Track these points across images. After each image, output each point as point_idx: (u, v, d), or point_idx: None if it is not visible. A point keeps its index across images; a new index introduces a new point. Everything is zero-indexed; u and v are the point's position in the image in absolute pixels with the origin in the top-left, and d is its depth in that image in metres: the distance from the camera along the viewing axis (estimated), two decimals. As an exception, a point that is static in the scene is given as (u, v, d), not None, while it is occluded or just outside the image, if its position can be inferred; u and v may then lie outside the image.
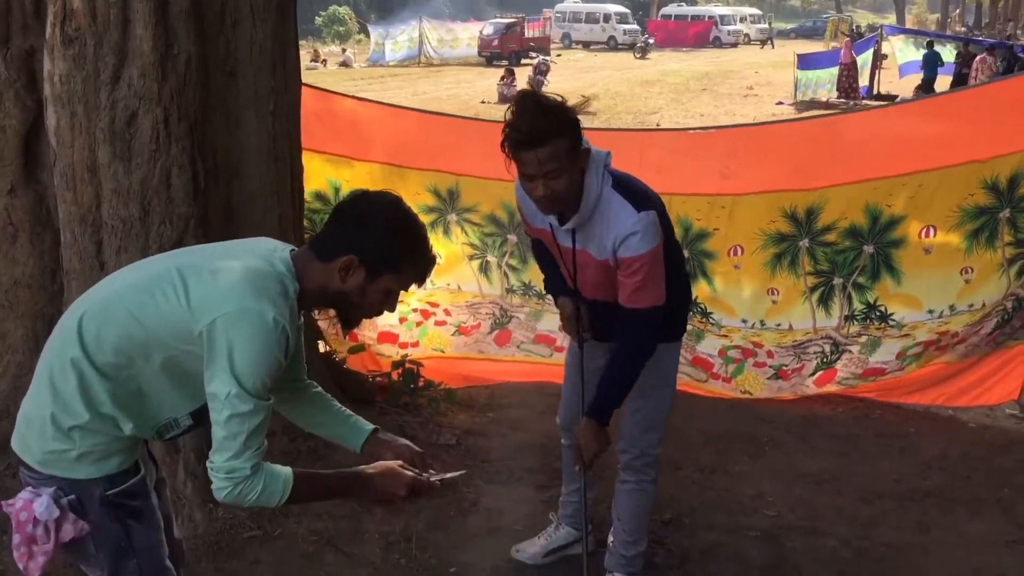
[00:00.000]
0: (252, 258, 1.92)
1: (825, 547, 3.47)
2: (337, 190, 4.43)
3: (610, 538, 3.20)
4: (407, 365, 4.46)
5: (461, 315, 4.80)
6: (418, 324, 4.80)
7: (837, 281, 4.39)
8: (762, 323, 4.52)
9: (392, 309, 2.03)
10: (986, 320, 4.34)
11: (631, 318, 2.68)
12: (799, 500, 3.86)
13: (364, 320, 2.11)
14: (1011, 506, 3.78)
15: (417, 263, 1.98)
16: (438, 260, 4.57)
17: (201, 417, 1.96)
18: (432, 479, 2.13)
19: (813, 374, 4.66)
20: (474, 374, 4.86)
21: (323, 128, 4.23)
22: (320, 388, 2.26)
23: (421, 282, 2.03)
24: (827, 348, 4.56)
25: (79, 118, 3.20)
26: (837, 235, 4.31)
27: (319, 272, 1.94)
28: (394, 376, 4.47)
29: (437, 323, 4.82)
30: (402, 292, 2.03)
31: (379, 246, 1.92)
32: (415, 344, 4.80)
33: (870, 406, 4.87)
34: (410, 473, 2.09)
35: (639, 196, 2.63)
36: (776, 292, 4.48)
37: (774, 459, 4.25)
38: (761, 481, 4.02)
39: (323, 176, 4.37)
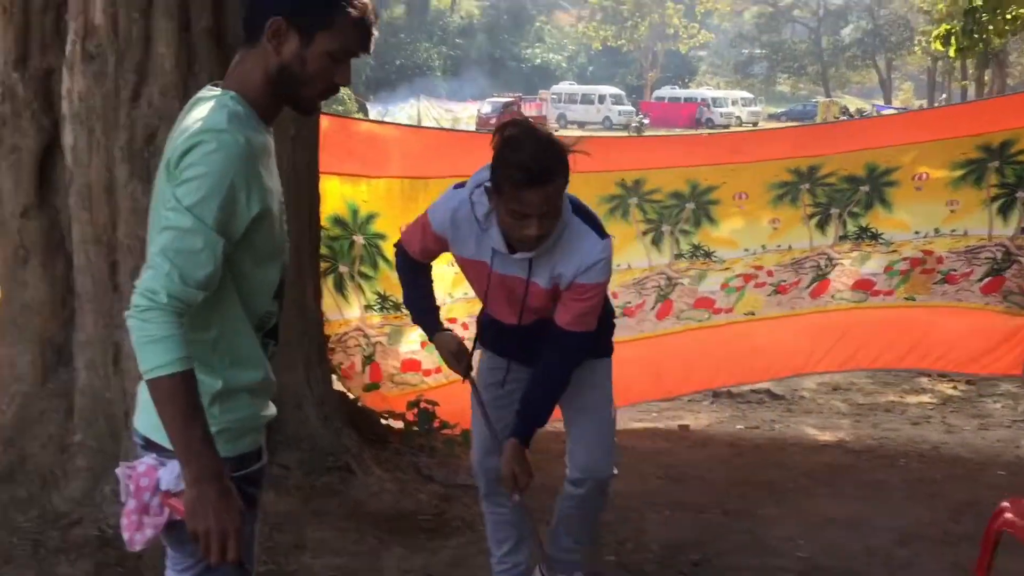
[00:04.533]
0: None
1: (864, 587, 3.32)
2: (355, 211, 4.34)
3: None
4: (423, 405, 4.33)
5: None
6: (439, 347, 4.69)
7: (834, 211, 4.80)
8: (763, 247, 4.85)
9: (346, 80, 1.83)
10: (975, 264, 4.81)
11: (565, 339, 2.60)
12: (831, 542, 3.71)
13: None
14: (1052, 547, 3.63)
15: (349, 12, 1.78)
16: (448, 270, 4.49)
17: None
18: None
19: (809, 286, 4.93)
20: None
21: (339, 149, 4.16)
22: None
23: (366, 40, 1.83)
24: (822, 262, 4.92)
25: (97, 136, 3.16)
26: (836, 179, 4.72)
27: (254, 60, 1.78)
28: (409, 417, 4.35)
29: (457, 343, 4.72)
30: None
31: None
32: (438, 370, 4.64)
33: (895, 454, 4.80)
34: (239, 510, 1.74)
35: (598, 222, 2.59)
36: (777, 221, 4.84)
37: (800, 504, 4.11)
38: (789, 524, 3.87)
39: (340, 197, 4.29)
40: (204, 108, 1.75)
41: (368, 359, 4.60)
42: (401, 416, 4.42)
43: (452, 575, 3.27)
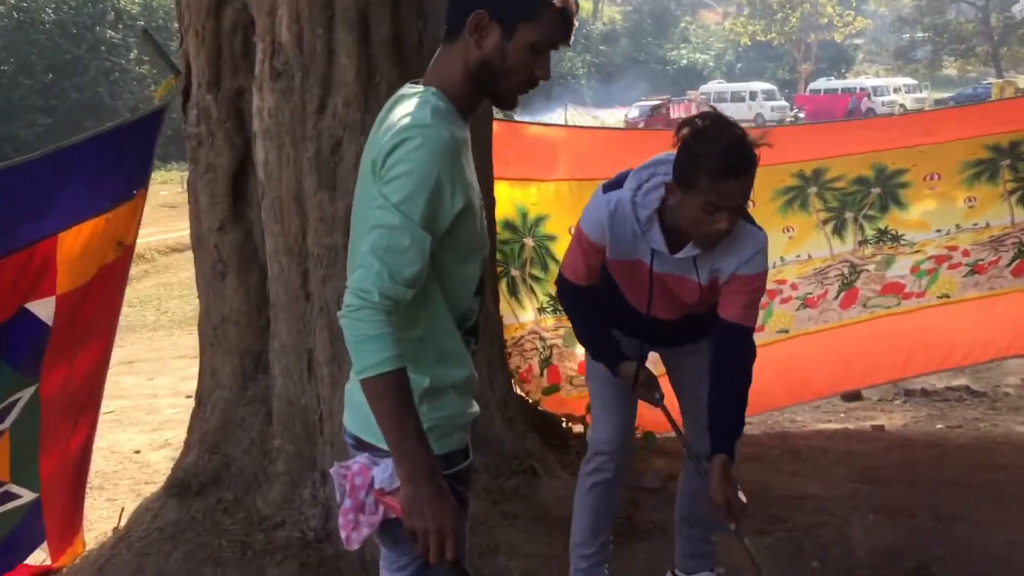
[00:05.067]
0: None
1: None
2: (524, 214, 4.34)
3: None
4: (603, 407, 4.25)
5: None
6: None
7: None
8: (957, 227, 4.60)
9: (546, 74, 1.79)
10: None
11: (740, 336, 2.56)
12: (1062, 549, 3.38)
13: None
14: None
15: (552, 2, 1.74)
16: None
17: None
18: None
19: (1010, 264, 4.66)
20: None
21: (508, 153, 4.17)
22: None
23: (566, 31, 1.79)
24: None
25: (286, 150, 3.24)
26: None
27: (456, 55, 1.78)
28: (588, 420, 4.26)
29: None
30: None
31: None
32: (616, 372, 4.60)
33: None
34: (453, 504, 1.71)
35: (750, 215, 2.57)
36: (974, 199, 4.56)
37: (1021, 507, 3.78)
38: (1014, 529, 3.56)
39: (509, 201, 4.29)
40: (408, 105, 1.75)
41: (545, 362, 4.57)
42: (580, 419, 4.34)
43: (649, 580, 3.17)
